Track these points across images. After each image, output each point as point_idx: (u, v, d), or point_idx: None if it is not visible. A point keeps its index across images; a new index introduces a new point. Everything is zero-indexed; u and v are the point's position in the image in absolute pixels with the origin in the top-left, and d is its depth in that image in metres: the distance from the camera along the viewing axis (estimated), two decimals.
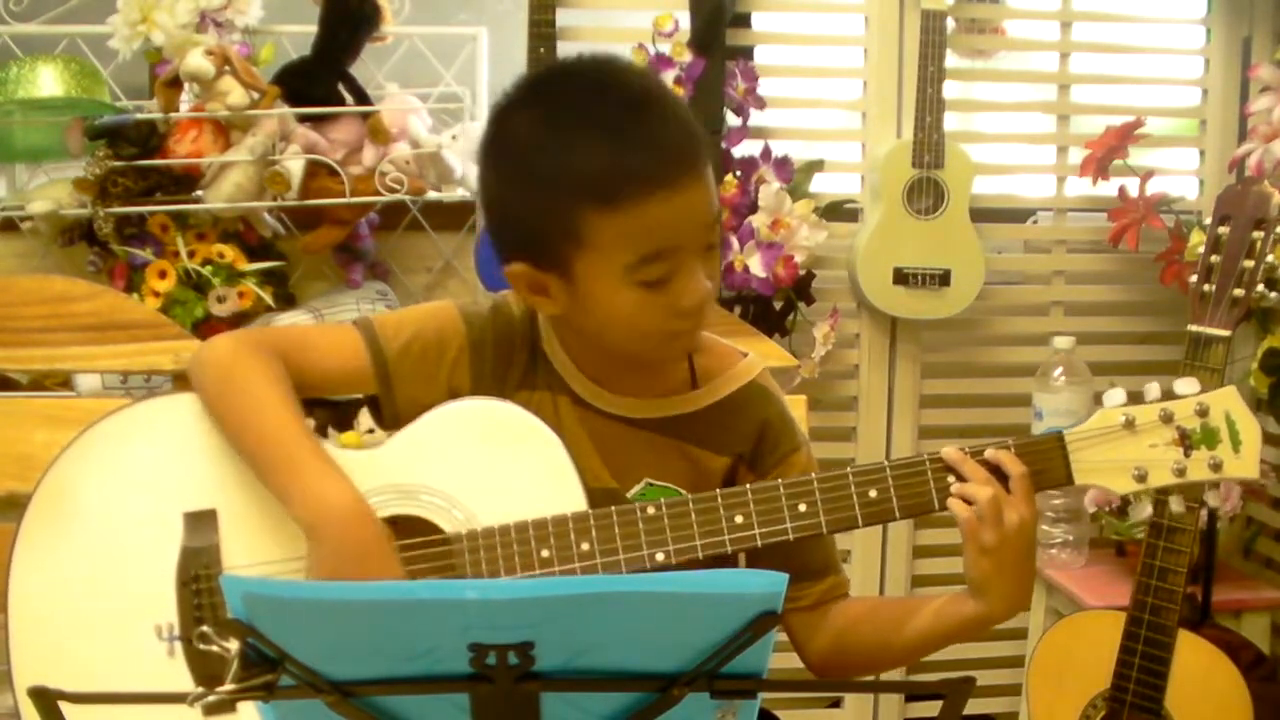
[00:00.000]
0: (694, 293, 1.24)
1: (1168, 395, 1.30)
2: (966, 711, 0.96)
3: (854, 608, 1.41)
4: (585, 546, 1.26)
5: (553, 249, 1.24)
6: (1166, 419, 1.28)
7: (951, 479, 1.27)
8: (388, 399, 1.35)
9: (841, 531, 1.30)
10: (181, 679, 1.26)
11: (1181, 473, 1.28)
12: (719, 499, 1.27)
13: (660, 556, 1.26)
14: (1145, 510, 1.32)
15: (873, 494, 1.27)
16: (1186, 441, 1.28)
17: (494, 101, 1.30)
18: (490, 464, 1.29)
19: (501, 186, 1.27)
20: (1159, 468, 1.29)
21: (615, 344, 1.30)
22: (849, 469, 1.28)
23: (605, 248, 1.22)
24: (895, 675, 2.26)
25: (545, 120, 1.23)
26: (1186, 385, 1.30)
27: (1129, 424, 1.28)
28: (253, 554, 1.29)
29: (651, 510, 1.26)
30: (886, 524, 2.25)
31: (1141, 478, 1.29)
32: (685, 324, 1.28)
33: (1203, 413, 1.28)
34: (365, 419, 1.83)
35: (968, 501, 1.25)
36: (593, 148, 1.20)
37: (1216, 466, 1.28)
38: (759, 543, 1.26)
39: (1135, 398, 1.30)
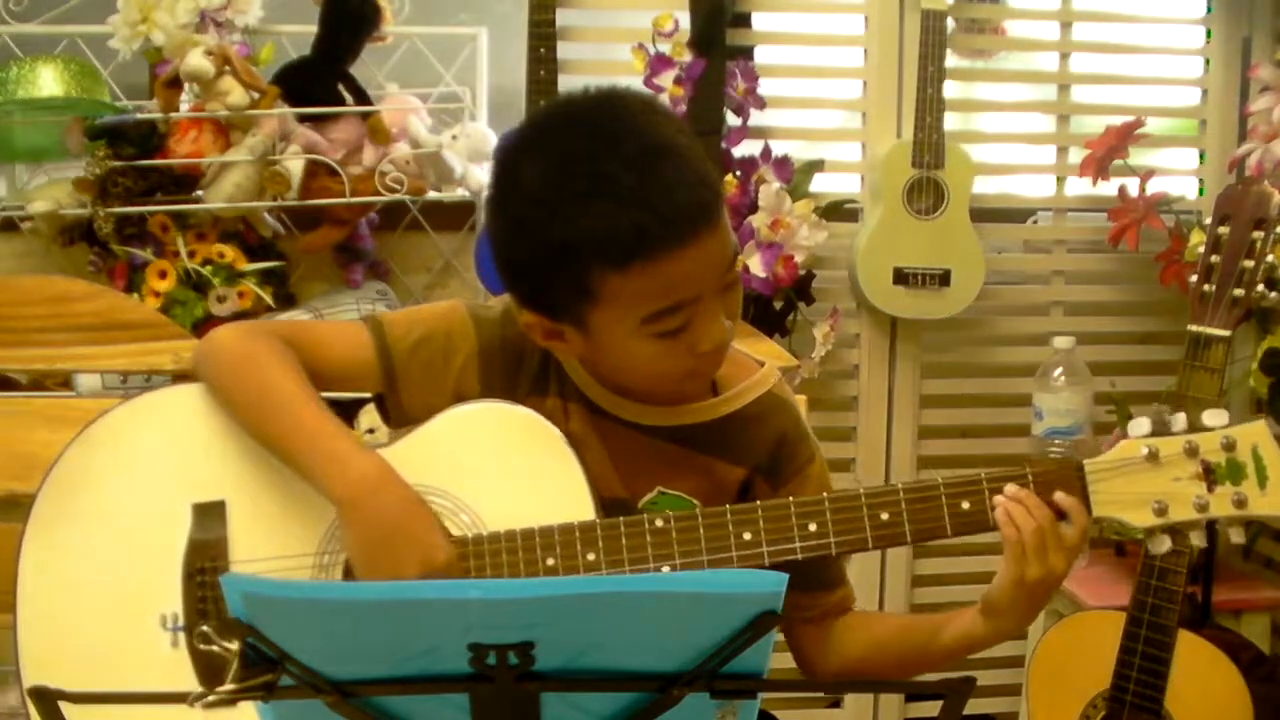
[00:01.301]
0: (713, 337, 1.23)
1: (1194, 426, 1.25)
2: (966, 711, 0.96)
3: (869, 626, 1.41)
4: (591, 557, 1.25)
5: (566, 304, 1.23)
6: (1191, 452, 1.24)
7: (966, 504, 1.25)
8: (393, 399, 1.35)
9: (851, 553, 1.29)
10: (184, 669, 1.27)
11: (1204, 508, 1.24)
12: (728, 515, 1.26)
13: (666, 570, 1.24)
14: (1164, 545, 1.27)
15: (884, 516, 1.25)
16: (1210, 476, 1.23)
17: (500, 142, 1.28)
18: (499, 468, 1.29)
19: (509, 237, 1.24)
20: (1180, 502, 1.24)
21: (633, 383, 1.31)
22: (861, 489, 1.27)
23: (621, 303, 1.20)
24: None
25: (553, 176, 1.19)
26: (1215, 417, 1.25)
27: (1152, 456, 1.24)
28: (260, 548, 1.29)
29: (660, 523, 1.25)
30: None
31: (1161, 511, 1.24)
32: (704, 364, 1.27)
33: (1229, 446, 1.24)
34: (365, 419, 1.83)
35: (1014, 523, 1.23)
36: (604, 210, 1.16)
37: (1241, 503, 1.23)
38: (766, 561, 1.25)
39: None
